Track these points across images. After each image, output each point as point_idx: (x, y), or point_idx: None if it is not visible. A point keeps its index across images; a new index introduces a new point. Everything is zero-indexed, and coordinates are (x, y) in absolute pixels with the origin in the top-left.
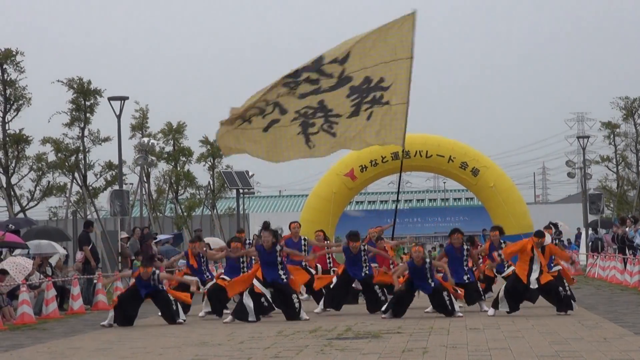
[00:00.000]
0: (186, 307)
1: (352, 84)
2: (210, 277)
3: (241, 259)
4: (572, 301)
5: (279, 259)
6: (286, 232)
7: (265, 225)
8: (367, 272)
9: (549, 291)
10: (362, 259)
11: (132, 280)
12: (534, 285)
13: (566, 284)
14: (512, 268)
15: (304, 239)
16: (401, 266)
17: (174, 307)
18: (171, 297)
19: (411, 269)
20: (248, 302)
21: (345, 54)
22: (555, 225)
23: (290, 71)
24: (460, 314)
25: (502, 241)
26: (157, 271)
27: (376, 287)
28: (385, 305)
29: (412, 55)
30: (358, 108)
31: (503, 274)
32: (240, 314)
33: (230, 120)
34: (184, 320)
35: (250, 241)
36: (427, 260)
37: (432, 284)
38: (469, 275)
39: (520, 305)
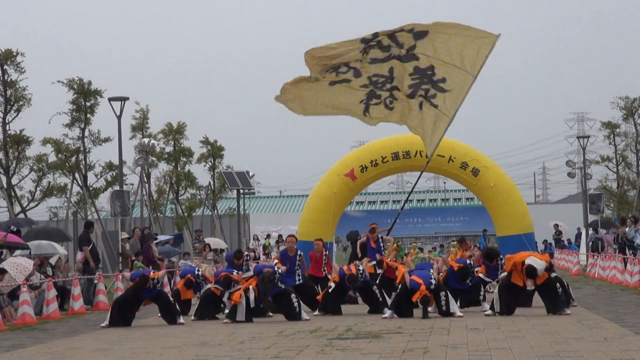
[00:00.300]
0: (185, 309)
1: (417, 65)
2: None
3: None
4: (570, 299)
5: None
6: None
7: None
8: (363, 278)
9: (546, 289)
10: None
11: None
12: (530, 287)
13: (565, 282)
14: (504, 273)
15: (299, 254)
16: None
17: (175, 308)
18: (171, 298)
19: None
20: (243, 302)
21: (422, 31)
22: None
23: (367, 35)
24: (460, 314)
25: (501, 257)
26: (161, 284)
27: (374, 288)
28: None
29: (476, 75)
30: (414, 91)
31: (497, 279)
32: (231, 314)
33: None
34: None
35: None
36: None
37: (432, 285)
38: (471, 277)
39: (516, 309)
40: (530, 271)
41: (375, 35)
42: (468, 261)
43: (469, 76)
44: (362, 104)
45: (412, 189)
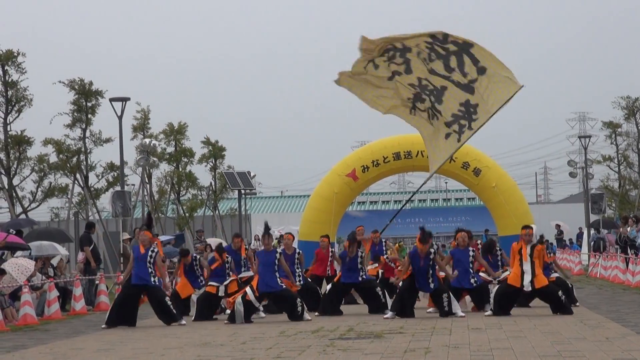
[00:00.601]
0: (185, 311)
1: (469, 99)
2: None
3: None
4: (570, 306)
5: (276, 262)
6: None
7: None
8: (363, 276)
9: (548, 295)
10: (359, 266)
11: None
12: (527, 287)
13: (569, 284)
14: (507, 273)
15: (298, 253)
16: (404, 261)
17: (170, 307)
18: (167, 300)
19: (414, 262)
20: (240, 308)
21: (484, 68)
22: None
23: (438, 32)
24: (462, 314)
25: (498, 248)
26: (156, 246)
27: (377, 289)
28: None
29: (490, 116)
30: (453, 122)
31: (498, 279)
32: (232, 319)
33: (361, 61)
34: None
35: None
36: (432, 250)
37: (433, 285)
38: (476, 279)
39: (514, 310)
40: (525, 225)
41: (445, 38)
42: (471, 253)
43: (487, 114)
44: (410, 102)
45: (412, 195)
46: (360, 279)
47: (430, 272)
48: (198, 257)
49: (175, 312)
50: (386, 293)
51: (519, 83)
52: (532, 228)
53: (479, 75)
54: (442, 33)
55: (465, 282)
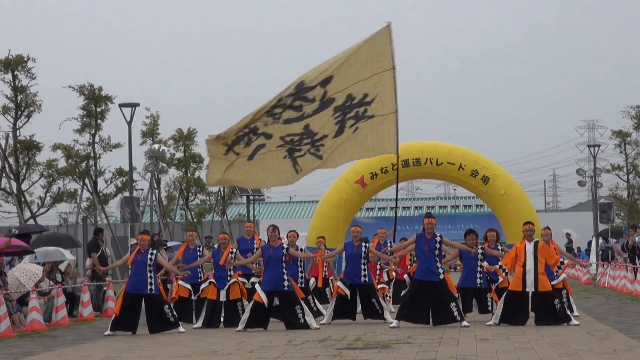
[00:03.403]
0: (188, 316)
1: (336, 104)
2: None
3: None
4: (568, 313)
5: (284, 258)
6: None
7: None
8: (366, 280)
9: (545, 301)
10: (362, 261)
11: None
12: (530, 288)
13: (564, 295)
14: (507, 277)
15: (301, 250)
16: (407, 242)
17: (170, 318)
18: (167, 309)
19: (419, 244)
20: (246, 313)
21: (326, 77)
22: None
23: (272, 99)
24: (466, 324)
25: (498, 244)
26: (156, 252)
27: (373, 300)
28: (396, 314)
29: (393, 66)
30: (342, 125)
31: (497, 283)
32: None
33: (216, 143)
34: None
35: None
36: (438, 237)
37: (441, 275)
38: (482, 280)
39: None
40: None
41: (280, 100)
42: (480, 250)
43: (388, 72)
44: (289, 160)
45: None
46: (362, 280)
47: (437, 259)
48: (235, 250)
49: (174, 320)
50: (383, 300)
51: (382, 27)
52: (533, 224)
53: (324, 87)
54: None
55: (471, 282)
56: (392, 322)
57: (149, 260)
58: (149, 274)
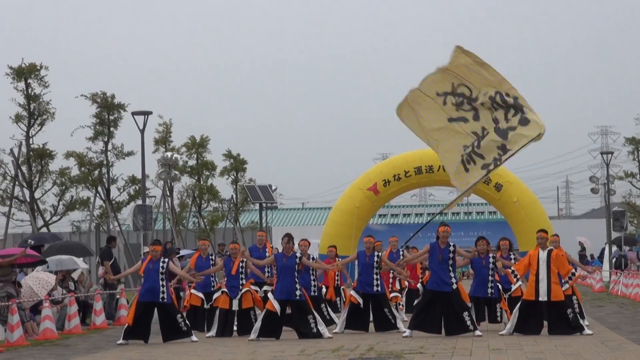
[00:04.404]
0: (200, 325)
1: (504, 143)
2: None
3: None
4: (581, 322)
5: (296, 267)
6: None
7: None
8: (379, 289)
9: (559, 310)
10: (374, 270)
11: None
12: (542, 297)
13: (575, 302)
14: (519, 284)
15: (313, 259)
16: (420, 252)
17: (183, 327)
18: (179, 318)
19: (433, 254)
20: (258, 322)
21: (526, 119)
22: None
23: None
24: (479, 333)
25: (511, 253)
26: (168, 260)
27: (386, 309)
28: (409, 323)
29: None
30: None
31: (509, 293)
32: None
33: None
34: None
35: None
36: (452, 247)
37: (454, 285)
38: (493, 290)
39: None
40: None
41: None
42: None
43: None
44: (459, 157)
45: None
46: (375, 289)
47: (451, 269)
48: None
49: (186, 329)
50: (395, 310)
51: (542, 125)
52: (546, 232)
53: (519, 124)
54: (507, 89)
55: (482, 292)
56: (404, 332)
57: (160, 269)
58: (161, 282)
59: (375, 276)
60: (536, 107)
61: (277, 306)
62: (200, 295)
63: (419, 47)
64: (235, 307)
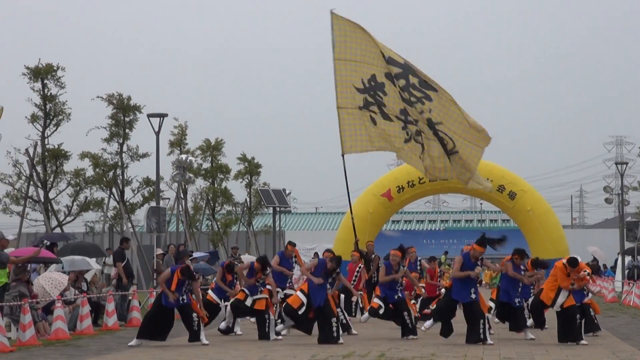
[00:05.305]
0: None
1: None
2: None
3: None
4: (595, 329)
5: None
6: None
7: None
8: (400, 295)
9: (567, 317)
10: (399, 281)
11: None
12: (557, 308)
13: (591, 312)
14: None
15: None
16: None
17: (195, 327)
18: (195, 316)
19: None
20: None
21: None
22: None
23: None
24: (491, 342)
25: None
26: (192, 282)
27: (405, 313)
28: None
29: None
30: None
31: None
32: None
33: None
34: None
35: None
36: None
37: (473, 295)
38: (519, 299)
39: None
40: (573, 261)
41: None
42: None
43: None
44: (404, 132)
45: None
46: (396, 297)
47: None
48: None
49: (198, 329)
50: (412, 317)
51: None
52: (577, 265)
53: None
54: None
55: (508, 297)
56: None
57: (183, 290)
58: (182, 296)
59: (398, 287)
60: (552, 116)
61: (303, 298)
62: (217, 299)
63: (439, 56)
64: (249, 302)
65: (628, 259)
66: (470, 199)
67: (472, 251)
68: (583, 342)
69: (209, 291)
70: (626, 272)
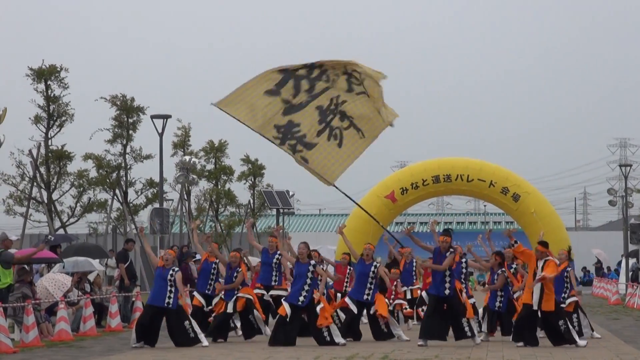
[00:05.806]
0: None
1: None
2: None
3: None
4: (573, 335)
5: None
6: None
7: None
8: (369, 298)
9: (549, 324)
10: (369, 279)
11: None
12: (535, 305)
13: (574, 318)
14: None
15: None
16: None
17: (190, 333)
18: (187, 324)
19: (435, 260)
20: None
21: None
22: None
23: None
24: (479, 340)
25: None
26: (178, 269)
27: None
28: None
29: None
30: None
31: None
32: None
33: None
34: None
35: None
36: (464, 261)
37: (448, 292)
38: (501, 305)
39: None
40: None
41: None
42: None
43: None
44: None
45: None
46: (365, 297)
47: (448, 276)
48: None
49: (194, 335)
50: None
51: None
52: (547, 246)
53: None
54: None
55: (492, 304)
56: (403, 337)
57: (169, 276)
58: (168, 288)
59: (369, 285)
60: (556, 118)
61: (288, 310)
62: (201, 299)
63: (441, 56)
64: (230, 309)
65: (632, 261)
66: (474, 201)
67: (441, 244)
68: (581, 343)
69: (195, 293)
70: (630, 274)
